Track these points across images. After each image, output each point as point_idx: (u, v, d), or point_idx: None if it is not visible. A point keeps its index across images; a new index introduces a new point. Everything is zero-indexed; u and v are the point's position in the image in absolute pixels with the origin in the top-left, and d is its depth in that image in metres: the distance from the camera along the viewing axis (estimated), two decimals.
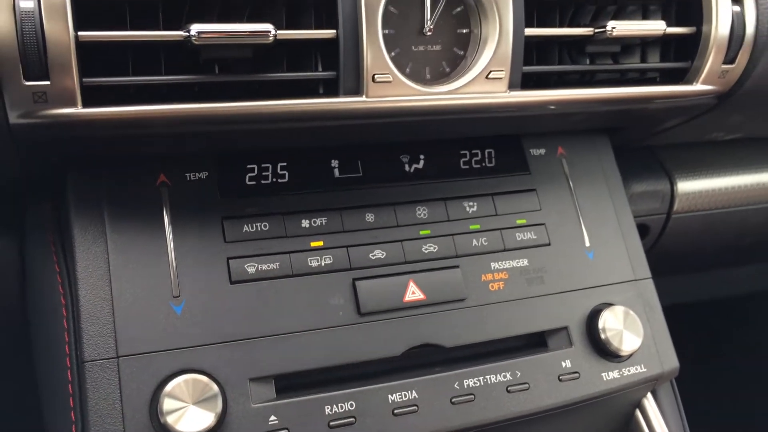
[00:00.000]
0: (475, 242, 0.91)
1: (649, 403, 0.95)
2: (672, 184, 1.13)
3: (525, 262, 0.93)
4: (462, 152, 0.94)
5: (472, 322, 0.88)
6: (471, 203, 0.92)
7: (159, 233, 0.79)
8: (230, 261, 0.81)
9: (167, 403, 0.72)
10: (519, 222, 0.94)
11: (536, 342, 0.91)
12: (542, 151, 0.98)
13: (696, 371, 1.07)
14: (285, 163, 0.86)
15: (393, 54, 0.79)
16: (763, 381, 1.85)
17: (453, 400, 0.83)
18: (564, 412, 0.89)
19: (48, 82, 0.67)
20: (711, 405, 1.81)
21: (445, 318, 0.87)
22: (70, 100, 0.68)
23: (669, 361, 0.94)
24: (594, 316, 0.92)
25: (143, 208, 0.80)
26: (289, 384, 0.80)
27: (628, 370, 0.91)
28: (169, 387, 0.73)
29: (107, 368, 0.74)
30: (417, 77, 0.81)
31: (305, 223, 0.85)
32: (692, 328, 1.74)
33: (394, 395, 0.81)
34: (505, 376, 0.86)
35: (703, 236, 1.17)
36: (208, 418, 0.73)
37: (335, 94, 0.78)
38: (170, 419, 0.71)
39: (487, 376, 0.85)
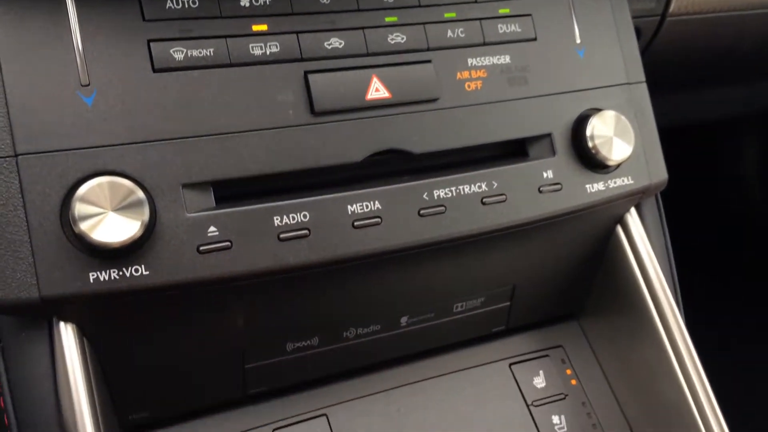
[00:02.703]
0: (450, 33, 0.77)
1: (632, 218, 0.87)
2: None
3: (507, 58, 0.79)
4: None
5: (445, 126, 0.76)
6: None
7: (58, 6, 0.63)
8: (151, 44, 0.66)
9: (80, 209, 0.60)
10: (502, 11, 0.80)
11: (516, 150, 0.80)
12: None
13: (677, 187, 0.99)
14: None
15: None
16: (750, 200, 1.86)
17: (421, 212, 0.73)
18: (541, 227, 0.80)
19: None
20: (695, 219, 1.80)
21: (413, 120, 0.75)
22: None
23: (658, 173, 0.85)
24: (581, 122, 0.81)
25: None
26: (230, 193, 0.68)
27: (614, 182, 0.82)
28: (82, 190, 0.60)
29: (4, 169, 0.60)
30: None
31: (245, 1, 0.70)
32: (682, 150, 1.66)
33: (354, 206, 0.71)
34: (480, 187, 0.76)
35: (699, 42, 1.05)
36: (133, 227, 0.61)
37: None
38: (85, 226, 0.59)
39: (460, 187, 0.75)
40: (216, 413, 0.82)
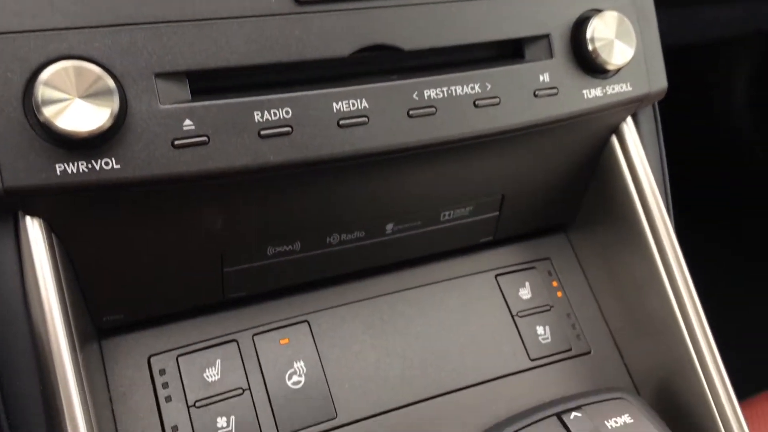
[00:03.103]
0: None
1: (628, 128, 0.84)
2: None
3: None
4: None
5: (437, 21, 0.71)
6: None
7: None
8: None
9: (44, 93, 0.55)
10: None
11: (511, 51, 0.76)
12: None
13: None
14: None
15: None
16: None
17: (410, 112, 0.69)
18: (534, 134, 0.77)
19: None
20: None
21: (404, 14, 0.70)
22: None
23: (658, 80, 0.81)
24: (581, 23, 0.76)
25: None
26: (207, 86, 0.64)
27: (612, 88, 0.78)
28: (45, 74, 0.56)
29: None
30: None
31: None
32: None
33: (340, 103, 0.67)
34: (473, 88, 0.72)
35: None
36: (101, 116, 0.57)
37: None
38: (49, 113, 0.55)
39: (452, 87, 0.71)
40: (195, 317, 0.80)
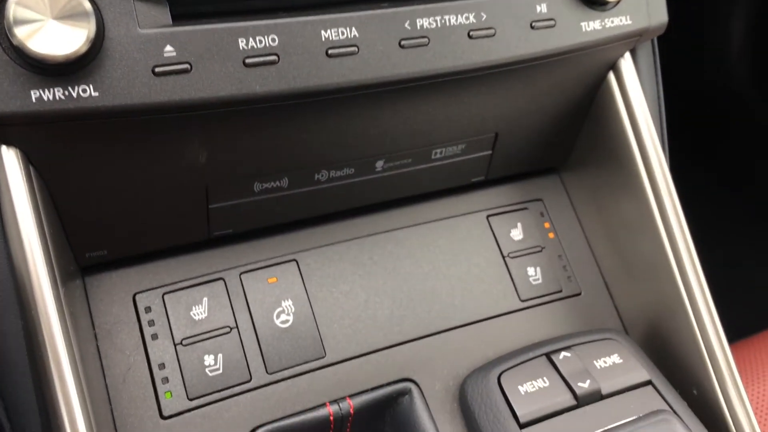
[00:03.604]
0: None
1: (626, 64, 0.82)
2: None
3: None
4: None
5: None
6: None
7: None
8: None
9: (16, 12, 0.52)
10: None
11: None
12: None
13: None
14: None
15: None
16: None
17: (402, 42, 0.67)
18: (530, 69, 0.74)
19: None
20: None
21: None
22: None
23: (658, 14, 0.79)
24: None
25: None
26: (189, 11, 0.61)
27: (611, 21, 0.76)
28: None
29: None
30: None
31: None
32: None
33: (329, 31, 0.64)
34: (467, 18, 0.69)
35: None
36: (77, 39, 0.54)
37: None
38: (22, 34, 0.52)
39: (446, 17, 0.68)
40: (181, 255, 0.78)
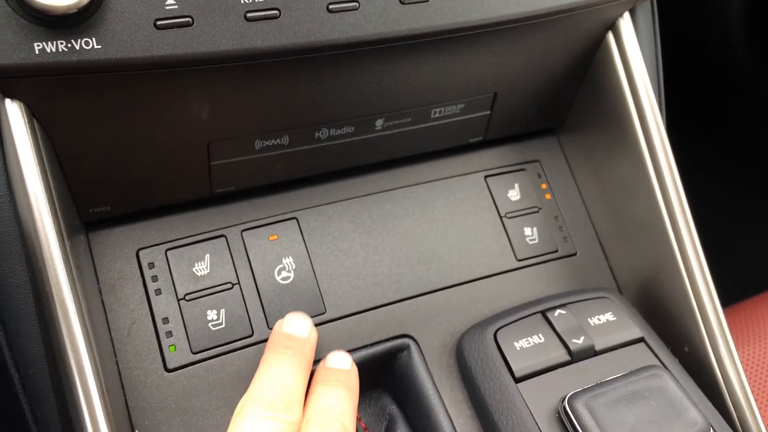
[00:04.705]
0: None
1: (625, 24, 0.82)
2: None
3: None
4: None
5: None
6: None
7: None
8: None
9: None
10: None
11: None
12: None
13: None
14: None
15: None
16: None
17: None
18: (529, 28, 0.75)
19: None
20: None
21: None
22: None
23: None
24: None
25: None
26: None
27: None
28: None
29: None
30: None
31: None
32: None
33: None
34: None
35: None
36: None
37: None
38: None
39: None
40: (183, 212, 0.79)
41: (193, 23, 0.60)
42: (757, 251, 1.90)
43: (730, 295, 1.14)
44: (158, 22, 0.59)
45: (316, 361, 0.76)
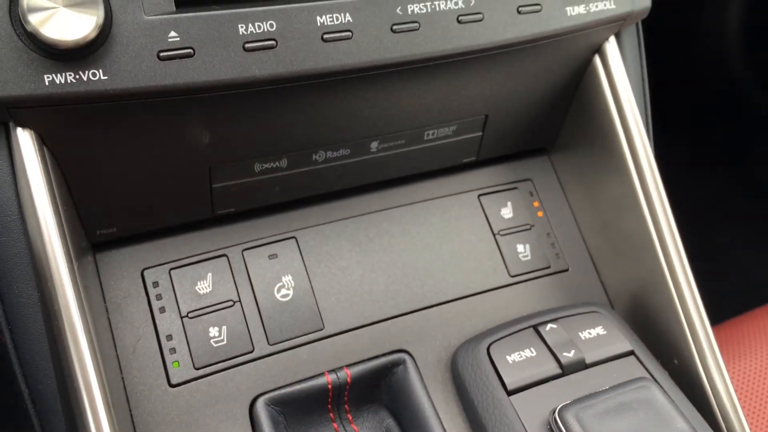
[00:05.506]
0: None
1: (611, 48, 0.85)
2: None
3: None
4: None
5: None
6: None
7: None
8: None
9: (31, 0, 0.56)
10: None
11: None
12: None
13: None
14: None
15: None
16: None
17: (394, 27, 0.70)
18: (517, 52, 0.78)
19: None
20: None
21: None
22: None
23: None
24: None
25: None
26: None
27: (596, 6, 0.79)
28: None
29: None
30: None
31: None
32: None
33: (324, 17, 0.67)
34: (456, 4, 0.72)
35: None
36: (86, 25, 0.58)
37: None
38: (35, 20, 0.56)
39: (435, 2, 0.72)
40: (186, 233, 0.82)
41: (194, 54, 0.63)
42: (747, 266, 1.92)
43: (722, 311, 1.15)
44: (161, 54, 0.62)
45: (312, 378, 0.78)
